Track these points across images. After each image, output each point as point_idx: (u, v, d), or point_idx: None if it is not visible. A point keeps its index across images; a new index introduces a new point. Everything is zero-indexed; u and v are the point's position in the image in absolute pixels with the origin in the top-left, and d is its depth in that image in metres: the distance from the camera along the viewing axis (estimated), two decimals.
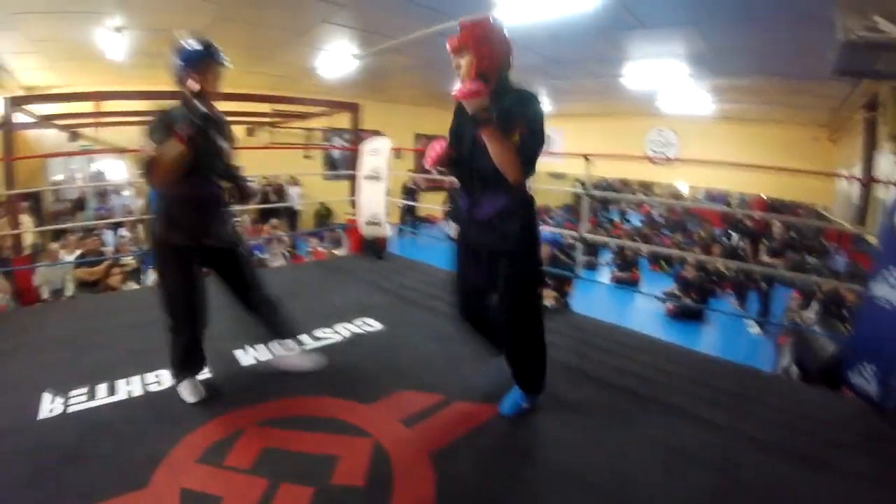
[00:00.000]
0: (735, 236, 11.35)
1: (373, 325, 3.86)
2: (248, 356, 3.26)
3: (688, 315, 7.95)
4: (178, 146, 2.25)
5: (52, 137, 10.13)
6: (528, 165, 2.18)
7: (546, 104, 12.19)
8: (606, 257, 11.33)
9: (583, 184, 5.52)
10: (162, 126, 2.33)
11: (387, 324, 3.89)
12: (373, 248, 6.07)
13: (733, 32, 5.90)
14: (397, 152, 14.32)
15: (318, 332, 3.65)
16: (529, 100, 2.24)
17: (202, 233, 2.59)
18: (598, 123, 13.41)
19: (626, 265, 10.21)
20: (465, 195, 2.44)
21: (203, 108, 2.33)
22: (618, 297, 9.25)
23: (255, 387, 2.87)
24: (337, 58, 8.66)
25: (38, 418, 2.55)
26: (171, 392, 2.78)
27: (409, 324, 3.96)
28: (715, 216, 14.91)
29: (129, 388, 2.84)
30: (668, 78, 8.41)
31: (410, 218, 13.64)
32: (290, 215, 12.16)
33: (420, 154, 15.43)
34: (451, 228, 2.63)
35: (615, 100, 10.96)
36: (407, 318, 4.10)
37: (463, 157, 2.34)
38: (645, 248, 10.50)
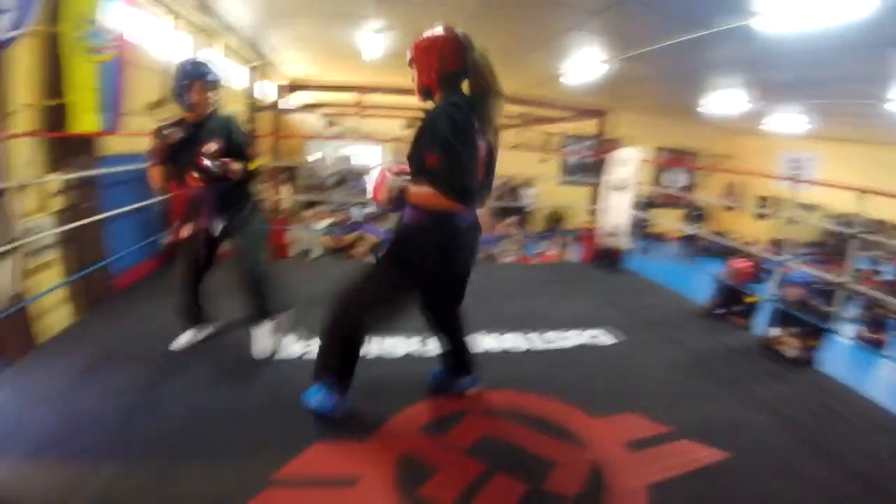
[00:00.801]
0: None
1: (605, 338, 3.82)
2: (481, 343, 3.44)
3: None
4: None
5: (310, 122, 11.68)
6: (458, 191, 2.04)
7: (803, 123, 10.90)
8: (850, 311, 9.70)
9: (849, 223, 4.86)
10: None
11: (620, 340, 3.83)
12: (608, 259, 5.97)
13: None
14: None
15: (550, 335, 3.74)
16: (435, 120, 2.08)
17: None
18: (857, 151, 11.61)
19: (876, 324, 8.68)
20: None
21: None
22: (859, 358, 7.96)
23: (486, 374, 2.98)
24: (583, 64, 8.63)
25: (275, 358, 3.16)
26: (406, 359, 3.15)
27: (644, 345, 3.82)
28: None
29: (366, 347, 3.12)
30: None
31: (642, 233, 13.15)
32: (521, 215, 12.45)
33: (659, 166, 14.95)
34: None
35: (881, 126, 9.44)
36: (641, 338, 3.95)
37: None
38: None
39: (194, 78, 2.82)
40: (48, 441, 2.22)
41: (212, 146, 2.83)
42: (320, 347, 2.48)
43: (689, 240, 13.29)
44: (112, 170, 4.35)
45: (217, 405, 2.59)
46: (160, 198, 5.20)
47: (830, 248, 13.72)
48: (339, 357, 2.42)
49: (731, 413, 2.94)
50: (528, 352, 3.51)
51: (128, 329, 3.45)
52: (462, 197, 2.04)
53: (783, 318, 4.12)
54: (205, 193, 2.90)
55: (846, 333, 8.66)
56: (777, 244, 13.08)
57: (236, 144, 2.95)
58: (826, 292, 5.81)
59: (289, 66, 10.28)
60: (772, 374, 3.52)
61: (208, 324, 3.36)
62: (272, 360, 3.15)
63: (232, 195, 2.97)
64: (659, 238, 14.46)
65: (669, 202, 14.64)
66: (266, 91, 9.61)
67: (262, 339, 3.17)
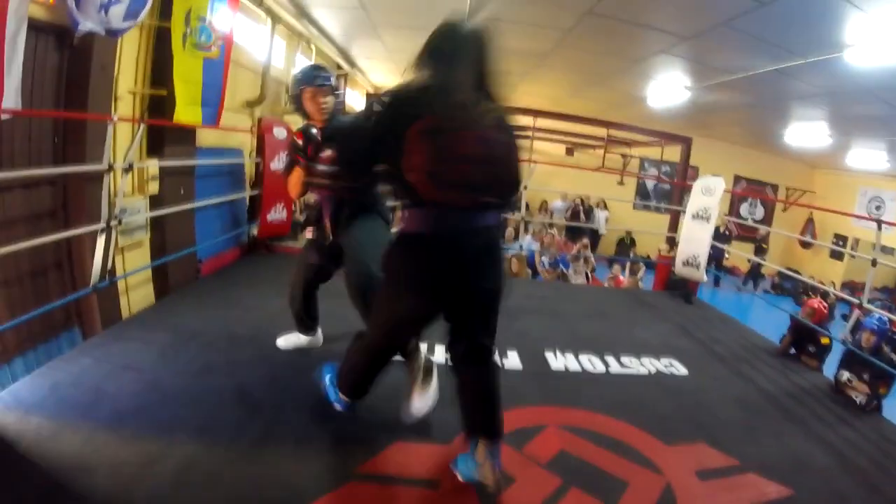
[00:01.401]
0: None
1: (678, 368, 3.77)
2: (557, 361, 3.53)
3: None
4: None
5: None
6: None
7: (885, 160, 10.38)
8: None
9: None
10: None
11: (692, 371, 3.77)
12: (682, 289, 5.85)
13: None
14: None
15: (625, 360, 3.73)
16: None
17: None
18: None
19: None
20: None
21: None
22: None
23: (562, 391, 3.08)
24: (668, 89, 8.50)
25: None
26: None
27: (715, 378, 3.77)
28: None
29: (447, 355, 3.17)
30: None
31: (714, 265, 12.76)
32: (593, 237, 12.32)
33: (739, 198, 14.48)
34: None
35: None
36: (713, 371, 3.90)
37: None
38: None
39: (304, 84, 2.80)
40: (129, 410, 2.33)
41: (329, 152, 2.71)
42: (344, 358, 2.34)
43: (754, 271, 12.82)
44: (207, 161, 4.57)
45: (303, 396, 2.64)
46: (247, 192, 5.43)
47: None
48: (351, 379, 2.32)
49: (797, 451, 2.91)
50: (604, 374, 3.51)
51: (211, 313, 3.61)
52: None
53: (855, 362, 4.02)
54: (327, 200, 2.83)
55: None
56: (850, 286, 12.46)
57: None
58: None
59: (376, 74, 10.54)
60: (839, 418, 3.47)
61: (315, 333, 3.27)
62: None
63: (354, 202, 2.79)
64: (732, 271, 14.01)
65: (745, 235, 14.16)
66: (350, 98, 9.90)
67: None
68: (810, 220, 14.02)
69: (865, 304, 4.35)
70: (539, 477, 2.23)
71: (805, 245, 13.85)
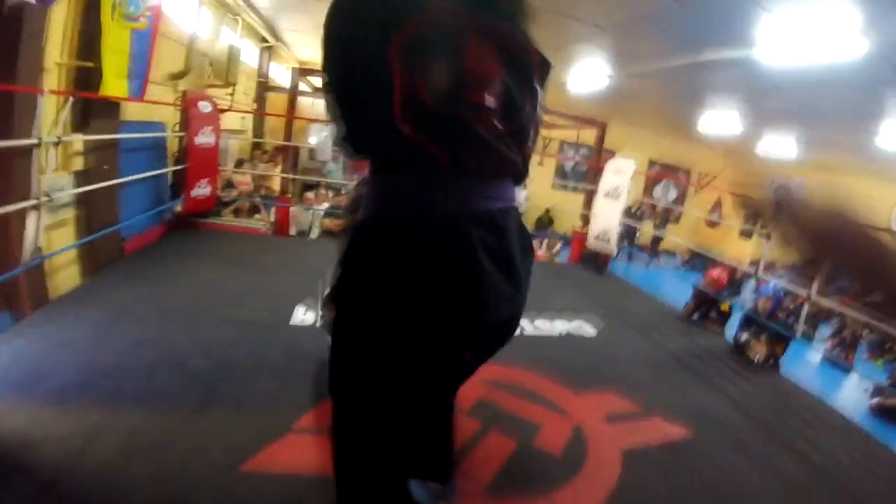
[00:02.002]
0: None
1: (588, 330, 4.13)
2: None
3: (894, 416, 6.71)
4: None
5: (318, 106, 11.88)
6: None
7: (794, 150, 11.25)
8: (825, 332, 10.04)
9: None
10: None
11: (601, 333, 4.14)
12: (594, 262, 6.25)
13: None
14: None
15: (538, 323, 4.05)
16: None
17: None
18: (846, 181, 11.97)
19: (845, 346, 9.05)
20: None
21: None
22: (823, 368, 8.35)
23: None
24: (588, 76, 8.86)
25: (290, 322, 3.42)
26: None
27: (623, 339, 4.15)
28: None
29: None
30: None
31: (629, 243, 13.44)
32: None
33: (653, 181, 15.26)
34: None
35: (867, 160, 9.81)
36: (621, 333, 4.29)
37: None
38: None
39: None
40: (70, 386, 2.36)
41: None
42: None
43: (655, 242, 13.63)
44: (131, 136, 4.51)
45: (237, 363, 2.79)
46: (172, 168, 5.37)
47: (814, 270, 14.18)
48: None
49: (697, 400, 3.28)
50: (519, 335, 3.74)
51: (140, 289, 3.63)
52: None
53: (753, 325, 4.48)
54: None
55: (817, 351, 9.01)
56: (757, 263, 13.46)
57: None
58: (794, 309, 6.08)
59: (302, 49, 10.40)
60: (738, 374, 3.90)
61: None
62: (288, 325, 3.40)
63: None
64: (646, 249, 14.79)
65: (658, 215, 14.97)
66: (274, 72, 9.76)
67: None
68: (718, 203, 14.99)
69: (760, 275, 4.82)
70: (461, 422, 2.45)
71: (711, 224, 14.77)
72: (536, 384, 2.98)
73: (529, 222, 13.82)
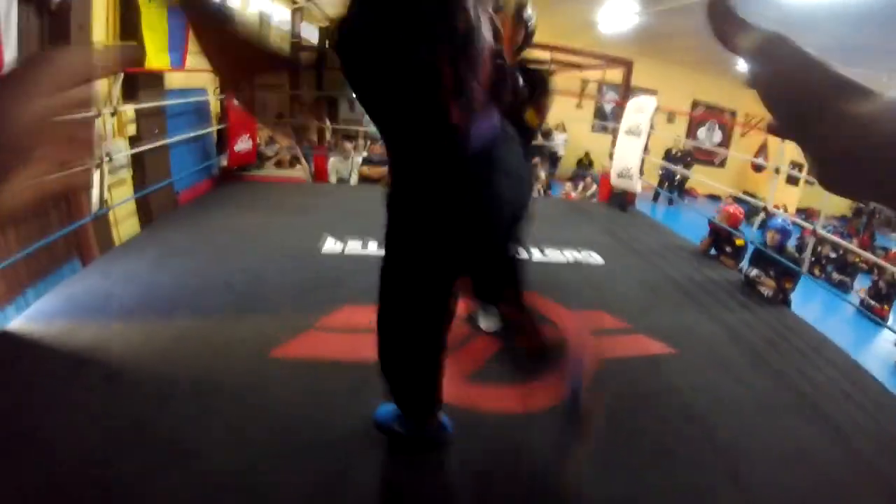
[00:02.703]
0: None
1: (596, 258, 4.40)
2: None
3: None
4: None
5: None
6: None
7: None
8: (865, 283, 9.64)
9: None
10: None
11: (608, 261, 4.40)
12: (619, 200, 6.43)
13: None
14: (671, 115, 13.91)
15: (548, 251, 4.38)
16: None
17: None
18: None
19: (881, 297, 8.76)
20: None
21: None
22: (860, 327, 8.06)
23: None
24: (618, 13, 8.82)
25: (320, 250, 3.92)
26: None
27: (628, 267, 4.40)
28: None
29: None
30: None
31: (669, 185, 13.33)
32: (553, 158, 12.80)
33: (698, 122, 14.98)
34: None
35: None
36: (629, 262, 4.53)
37: None
38: None
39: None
40: (133, 305, 2.86)
41: None
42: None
43: (665, 178, 13.15)
44: (176, 101, 4.97)
45: (272, 280, 3.32)
46: (214, 127, 5.85)
47: (861, 224, 13.73)
48: (411, 395, 1.88)
49: (689, 323, 3.47)
50: (528, 261, 4.11)
51: (193, 232, 4.13)
52: None
53: (763, 260, 4.56)
54: None
55: (852, 301, 8.72)
56: (806, 212, 13.06)
57: None
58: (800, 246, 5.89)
59: (331, 6, 10.63)
60: (742, 306, 4.01)
61: None
62: (319, 252, 3.91)
63: None
64: (687, 193, 14.62)
65: (702, 157, 14.76)
66: (307, 32, 10.05)
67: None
68: (763, 146, 14.61)
69: (819, 230, 4.63)
70: (455, 325, 2.84)
71: (757, 168, 14.42)
72: (534, 301, 3.30)
73: (570, 165, 13.88)
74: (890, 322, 8.25)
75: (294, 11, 9.23)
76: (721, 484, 2.09)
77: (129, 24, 4.18)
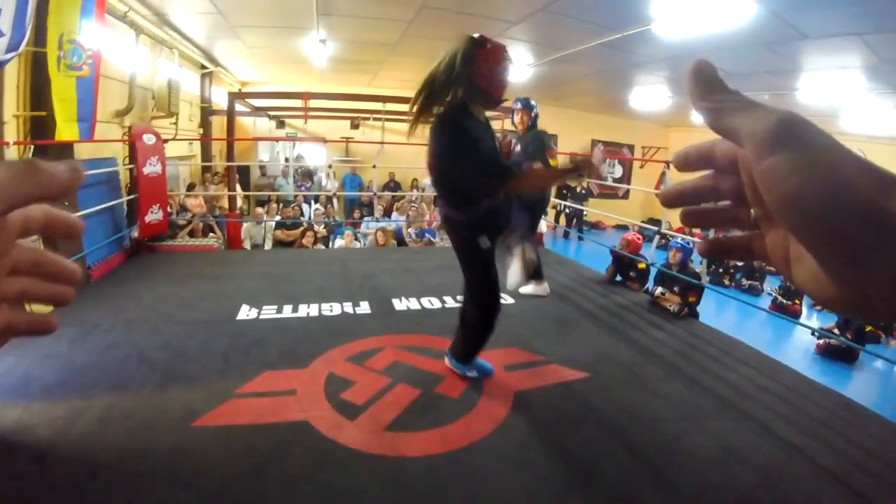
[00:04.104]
0: None
1: (507, 299, 4.56)
2: (401, 304, 4.43)
3: (838, 355, 7.30)
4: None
5: (262, 125, 12.31)
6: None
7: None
8: (774, 285, 10.54)
9: None
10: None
11: (519, 300, 4.66)
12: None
13: None
14: (571, 157, 14.74)
15: (461, 298, 4.44)
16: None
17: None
18: None
19: (790, 294, 9.68)
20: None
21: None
22: (777, 326, 8.61)
23: (402, 324, 3.96)
24: (515, 66, 9.33)
25: (236, 318, 3.96)
26: (341, 316, 4.02)
27: (540, 303, 4.67)
28: None
29: (309, 310, 4.14)
30: (846, 93, 7.88)
31: (577, 222, 13.99)
32: None
33: None
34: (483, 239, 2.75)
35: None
36: (538, 299, 4.77)
37: None
38: None
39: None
40: (55, 384, 2.85)
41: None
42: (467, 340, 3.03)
43: (574, 216, 14.02)
44: (86, 173, 4.93)
45: (190, 351, 3.34)
46: (124, 198, 5.82)
47: None
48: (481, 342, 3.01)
49: (602, 348, 3.72)
50: (440, 309, 4.39)
51: (108, 306, 4.09)
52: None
53: (667, 278, 4.96)
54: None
55: (763, 302, 9.47)
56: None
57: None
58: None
59: (240, 71, 10.82)
60: (651, 324, 4.32)
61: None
62: (235, 320, 3.93)
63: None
64: (596, 226, 15.41)
65: (606, 192, 15.62)
66: (217, 96, 10.17)
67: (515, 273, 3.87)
68: (663, 174, 15.64)
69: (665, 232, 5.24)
70: (373, 379, 3.03)
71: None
72: (446, 346, 3.39)
73: None
74: (804, 316, 9.18)
75: (203, 76, 9.34)
76: (650, 491, 2.24)
77: (39, 94, 4.19)
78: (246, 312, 4.08)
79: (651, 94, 10.98)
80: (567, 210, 12.96)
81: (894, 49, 5.83)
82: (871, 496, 2.31)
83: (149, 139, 5.88)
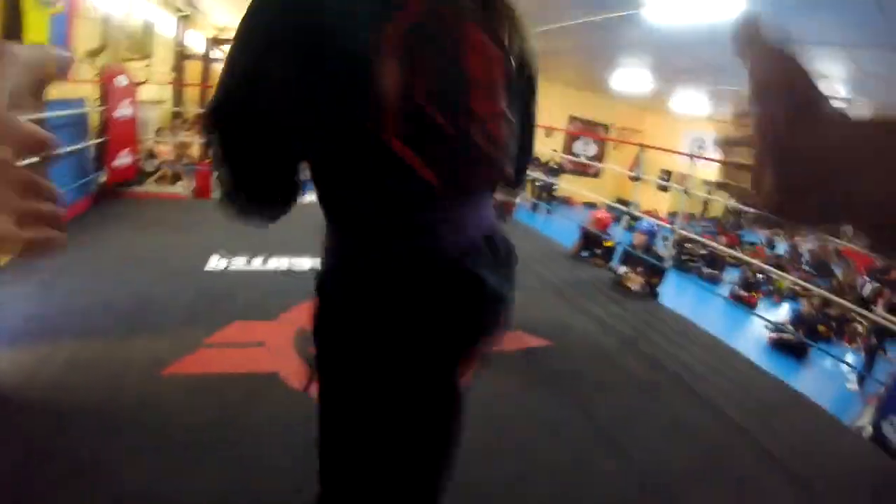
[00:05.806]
0: (870, 286, 9.69)
1: None
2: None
3: (789, 349, 7.56)
4: None
5: None
6: None
7: (705, 105, 12.10)
8: (734, 276, 10.88)
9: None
10: None
11: None
12: (499, 211, 6.82)
13: (882, 60, 5.77)
14: (548, 130, 14.77)
15: None
16: None
17: None
18: None
19: (749, 286, 10.05)
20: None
21: None
22: (733, 315, 8.95)
23: None
24: None
25: (204, 269, 3.97)
26: (311, 272, 3.91)
27: None
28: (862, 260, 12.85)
29: (278, 263, 4.19)
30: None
31: (547, 195, 14.06)
32: None
33: (572, 137, 15.92)
34: None
35: None
36: None
37: None
38: (781, 275, 8.71)
39: None
40: (21, 330, 2.81)
41: None
42: None
43: (542, 189, 14.01)
44: (55, 113, 4.80)
45: (159, 297, 3.36)
46: (94, 141, 5.67)
47: (730, 224, 15.33)
48: None
49: (566, 320, 3.85)
50: None
51: (73, 253, 3.96)
52: None
53: (631, 259, 5.11)
54: None
55: (722, 292, 9.76)
56: (674, 215, 14.28)
57: None
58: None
59: (218, 14, 10.45)
60: (613, 301, 4.46)
61: None
62: (203, 270, 3.95)
63: None
64: (566, 202, 15.52)
65: (578, 169, 15.70)
66: (193, 41, 9.85)
67: None
68: (637, 157, 15.79)
69: (678, 229, 5.40)
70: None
71: (633, 179, 15.55)
72: None
73: None
74: (759, 308, 9.40)
75: (179, 19, 9.03)
76: (606, 457, 2.37)
77: (12, 29, 4.04)
78: (215, 263, 4.10)
79: (633, 77, 11.00)
80: (538, 183, 13.01)
81: (878, 63, 5.96)
82: (808, 478, 2.49)
83: (121, 81, 5.72)
